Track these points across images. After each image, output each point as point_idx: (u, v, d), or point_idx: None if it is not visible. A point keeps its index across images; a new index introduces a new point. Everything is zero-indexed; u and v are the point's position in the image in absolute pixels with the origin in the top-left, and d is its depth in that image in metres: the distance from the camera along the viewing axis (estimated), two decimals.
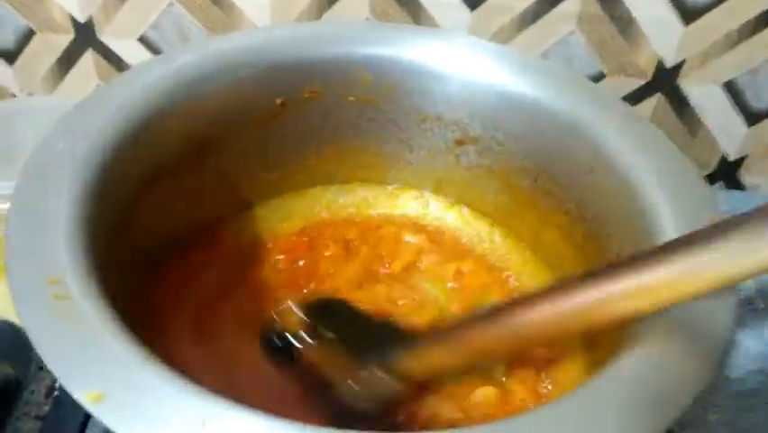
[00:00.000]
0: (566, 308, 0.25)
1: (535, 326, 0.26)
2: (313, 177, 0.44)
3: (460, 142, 0.41)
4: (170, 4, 0.55)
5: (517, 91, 0.37)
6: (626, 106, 0.37)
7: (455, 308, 0.39)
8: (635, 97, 0.57)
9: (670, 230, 0.30)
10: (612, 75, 0.57)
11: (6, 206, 0.46)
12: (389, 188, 0.45)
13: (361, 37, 0.39)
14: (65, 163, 0.29)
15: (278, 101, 0.39)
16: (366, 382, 0.32)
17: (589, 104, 0.36)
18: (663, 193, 0.31)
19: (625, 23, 0.54)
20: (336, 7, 0.54)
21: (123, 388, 0.21)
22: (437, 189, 0.44)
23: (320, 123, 0.42)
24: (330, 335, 0.36)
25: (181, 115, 0.36)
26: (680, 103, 0.58)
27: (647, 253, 0.23)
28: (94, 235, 0.27)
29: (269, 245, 0.42)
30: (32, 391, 0.37)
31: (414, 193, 0.45)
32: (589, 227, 0.35)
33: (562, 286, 0.26)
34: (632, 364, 0.24)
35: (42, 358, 0.21)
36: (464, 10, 0.54)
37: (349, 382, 0.33)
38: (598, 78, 0.57)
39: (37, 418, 0.35)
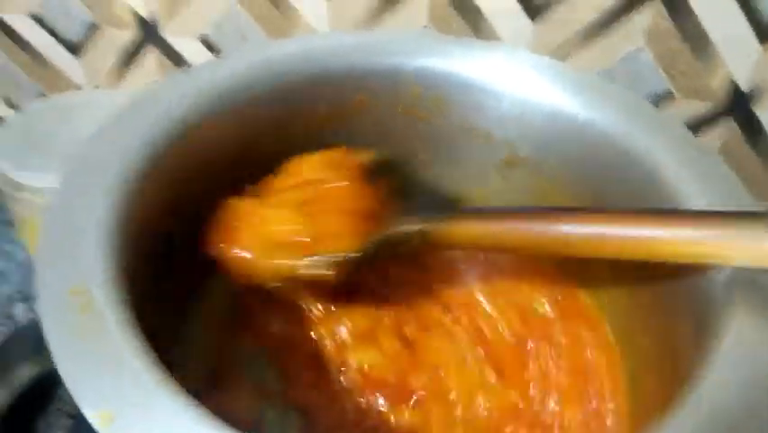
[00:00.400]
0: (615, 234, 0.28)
1: (581, 239, 0.28)
2: None
3: (510, 163, 0.40)
4: (232, 6, 0.56)
5: (570, 112, 0.36)
6: (689, 134, 0.35)
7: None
8: (704, 121, 0.54)
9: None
10: (681, 96, 0.54)
11: None
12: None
13: (411, 48, 0.38)
14: (105, 166, 0.30)
15: (325, 109, 0.39)
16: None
17: (648, 129, 0.34)
18: None
19: (698, 41, 0.51)
20: (395, 13, 0.53)
21: (132, 410, 0.21)
22: None
23: (368, 132, 0.41)
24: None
25: (228, 120, 0.36)
26: (753, 130, 0.54)
27: None
28: (127, 246, 0.27)
29: None
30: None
31: None
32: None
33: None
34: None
35: (58, 369, 0.21)
36: (526, 20, 0.52)
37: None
38: (665, 97, 0.54)
39: (69, 415, 0.36)
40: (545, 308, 0.39)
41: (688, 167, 0.32)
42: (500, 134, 0.39)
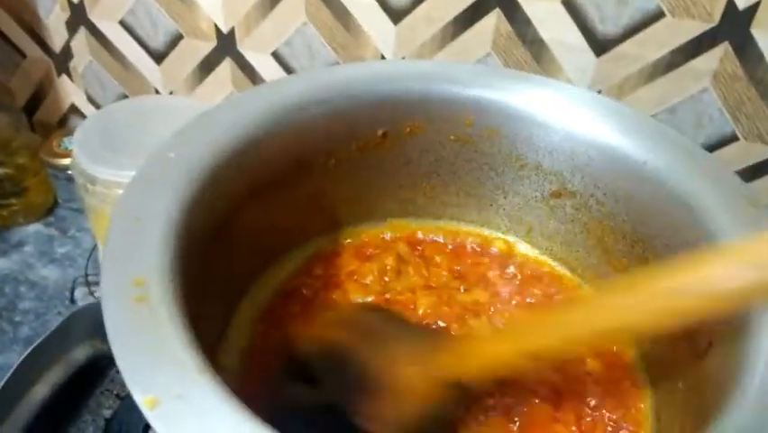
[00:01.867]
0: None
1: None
2: (405, 207, 0.45)
3: (556, 195, 0.40)
4: (304, 24, 0.58)
5: (623, 151, 0.36)
6: (741, 184, 0.34)
7: None
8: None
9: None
10: (747, 139, 0.53)
11: None
12: (479, 229, 0.45)
13: (468, 79, 0.40)
14: (173, 171, 0.32)
15: (380, 132, 0.40)
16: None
17: (702, 176, 0.34)
18: None
19: (766, 86, 0.50)
20: (460, 41, 0.55)
21: (175, 397, 0.23)
22: (528, 238, 0.44)
23: (418, 157, 0.42)
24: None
25: (286, 137, 0.38)
26: None
27: None
28: (188, 243, 0.29)
29: (353, 266, 0.43)
30: (117, 371, 0.40)
31: (504, 237, 0.44)
32: None
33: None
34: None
35: (114, 356, 0.24)
36: (590, 54, 0.52)
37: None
38: (730, 139, 0.53)
39: (118, 396, 0.38)
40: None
41: (739, 218, 0.31)
42: (550, 167, 0.40)
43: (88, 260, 0.61)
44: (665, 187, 0.34)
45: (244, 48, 0.62)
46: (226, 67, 0.64)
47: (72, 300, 0.57)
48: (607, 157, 0.37)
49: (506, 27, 0.53)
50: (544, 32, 0.52)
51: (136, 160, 0.51)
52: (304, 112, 0.38)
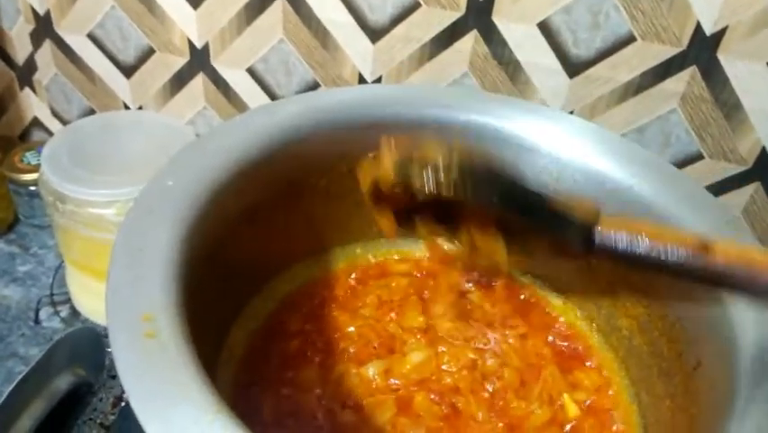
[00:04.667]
0: None
1: None
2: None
3: None
4: (281, 41, 0.58)
5: (609, 176, 0.37)
6: (723, 207, 0.36)
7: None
8: (732, 183, 0.56)
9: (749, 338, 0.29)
10: (711, 158, 0.55)
11: (108, 211, 0.51)
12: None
13: (459, 104, 0.40)
14: (172, 200, 0.31)
15: (371, 155, 0.41)
16: None
17: (686, 200, 0.36)
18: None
19: (730, 109, 0.52)
20: (437, 60, 0.55)
21: None
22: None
23: None
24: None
25: (280, 161, 0.38)
26: None
27: None
28: (188, 272, 0.29)
29: (350, 283, 0.43)
30: (101, 399, 0.39)
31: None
32: (669, 328, 0.34)
33: None
34: None
35: (126, 392, 0.23)
36: (564, 76, 0.54)
37: None
38: (696, 158, 0.55)
39: (102, 425, 0.37)
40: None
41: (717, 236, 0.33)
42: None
43: (53, 279, 0.59)
44: (651, 211, 0.35)
45: (218, 63, 0.62)
46: (199, 82, 0.63)
47: (37, 321, 0.56)
48: (593, 181, 0.38)
49: (482, 48, 0.54)
50: (520, 54, 0.54)
51: (109, 177, 0.51)
52: (297, 135, 0.38)
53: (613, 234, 0.30)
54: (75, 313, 0.57)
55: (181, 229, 0.30)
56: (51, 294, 0.58)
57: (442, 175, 0.30)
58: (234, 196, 0.34)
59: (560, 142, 0.39)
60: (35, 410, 0.37)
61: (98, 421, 0.40)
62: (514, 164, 0.40)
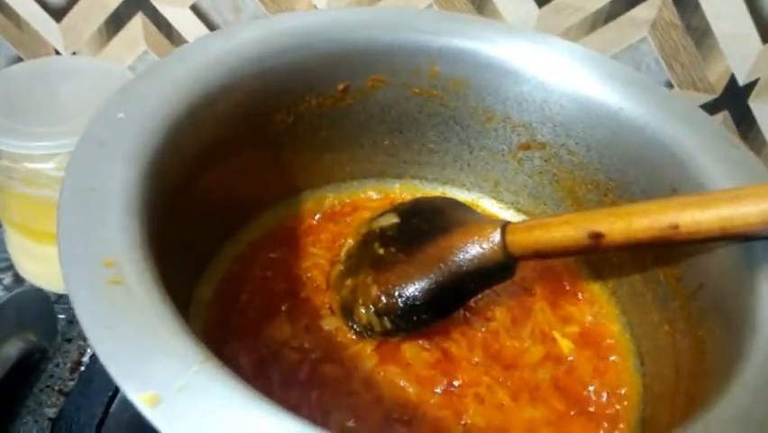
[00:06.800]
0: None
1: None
2: (365, 168, 0.42)
3: (525, 147, 0.39)
4: None
5: (598, 99, 0.35)
6: (719, 126, 0.35)
7: None
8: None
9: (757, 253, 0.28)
10: (681, 87, 0.54)
11: (47, 165, 0.46)
12: (443, 187, 0.43)
13: (434, 27, 0.37)
14: (124, 133, 0.28)
15: (341, 86, 0.38)
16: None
17: (680, 120, 0.34)
18: None
19: (700, 35, 0.51)
20: None
21: (178, 391, 0.19)
22: (493, 193, 0.42)
23: (380, 113, 0.40)
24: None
25: (241, 92, 0.34)
26: (746, 123, 0.55)
27: None
28: (149, 214, 0.26)
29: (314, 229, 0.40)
30: (57, 364, 0.35)
31: (467, 195, 0.43)
32: (664, 253, 0.33)
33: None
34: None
35: (95, 350, 0.20)
36: (532, 5, 0.52)
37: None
38: (666, 87, 0.54)
39: (61, 392, 0.34)
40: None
41: (718, 157, 0.32)
42: (519, 118, 0.38)
43: None
44: (644, 133, 0.34)
45: (158, 1, 0.56)
46: (138, 23, 0.58)
47: None
48: (580, 106, 0.36)
49: None
50: None
51: (46, 129, 0.47)
52: (260, 64, 0.34)
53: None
54: (18, 280, 0.52)
55: (137, 166, 0.26)
56: None
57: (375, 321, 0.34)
58: (192, 132, 0.30)
59: (544, 66, 0.36)
60: None
61: (56, 388, 0.36)
62: (496, 92, 0.38)
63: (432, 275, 0.33)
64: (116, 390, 0.33)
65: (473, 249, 0.32)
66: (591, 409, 0.33)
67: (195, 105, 0.31)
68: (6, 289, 0.51)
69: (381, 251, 0.36)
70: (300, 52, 0.36)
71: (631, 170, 0.35)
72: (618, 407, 0.33)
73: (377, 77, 0.38)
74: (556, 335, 0.36)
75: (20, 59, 0.62)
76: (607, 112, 0.35)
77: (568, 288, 0.38)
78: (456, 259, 0.33)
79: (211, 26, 0.57)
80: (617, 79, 0.35)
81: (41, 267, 0.51)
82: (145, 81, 0.30)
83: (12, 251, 0.52)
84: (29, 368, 0.37)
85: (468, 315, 0.36)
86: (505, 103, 0.38)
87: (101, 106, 0.28)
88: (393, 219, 0.37)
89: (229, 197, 0.35)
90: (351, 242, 0.38)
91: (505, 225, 0.32)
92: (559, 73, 0.36)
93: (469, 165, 0.42)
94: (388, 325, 0.34)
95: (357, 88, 0.38)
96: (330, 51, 0.36)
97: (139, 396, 0.19)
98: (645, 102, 0.34)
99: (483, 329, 0.35)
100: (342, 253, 0.37)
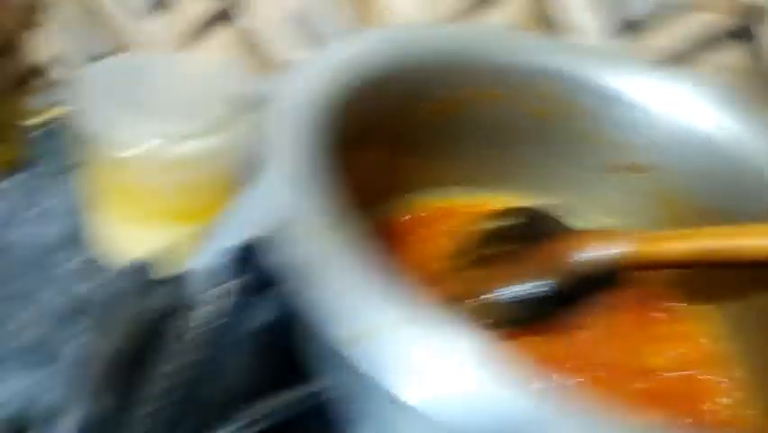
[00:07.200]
0: None
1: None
2: (461, 176, 0.44)
3: (629, 168, 0.42)
4: None
5: (707, 128, 0.38)
6: None
7: None
8: None
9: None
10: None
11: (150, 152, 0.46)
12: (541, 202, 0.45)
13: (549, 48, 0.41)
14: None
15: (462, 97, 0.40)
16: None
17: None
18: None
19: None
20: (480, 15, 0.54)
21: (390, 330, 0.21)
22: (587, 213, 0.44)
23: (488, 125, 0.42)
24: None
25: (379, 91, 0.37)
26: None
27: None
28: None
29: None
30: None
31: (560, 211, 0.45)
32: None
33: None
34: None
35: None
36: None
37: None
38: None
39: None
40: None
41: None
42: (624, 140, 0.41)
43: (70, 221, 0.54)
44: (751, 163, 0.36)
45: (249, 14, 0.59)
46: (225, 28, 0.60)
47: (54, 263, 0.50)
48: (691, 133, 0.39)
49: None
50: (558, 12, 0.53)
51: (155, 117, 0.47)
52: (378, 73, 0.37)
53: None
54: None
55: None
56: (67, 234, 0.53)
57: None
58: (354, 115, 0.33)
59: (656, 94, 0.39)
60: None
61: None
62: (605, 115, 0.41)
63: (543, 276, 0.35)
64: None
65: (589, 253, 0.34)
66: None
67: (360, 88, 0.34)
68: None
69: (492, 250, 0.38)
70: (426, 64, 0.39)
71: (729, 198, 0.37)
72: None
73: (495, 92, 0.41)
74: (650, 351, 0.38)
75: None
76: (716, 141, 0.38)
77: (666, 305, 0.40)
78: (569, 261, 0.35)
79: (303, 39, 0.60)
80: (727, 106, 0.38)
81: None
82: (314, 66, 0.34)
83: (103, 238, 0.52)
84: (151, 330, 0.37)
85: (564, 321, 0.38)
86: (614, 126, 0.41)
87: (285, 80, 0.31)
88: (504, 222, 0.39)
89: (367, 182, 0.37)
90: (457, 240, 0.40)
91: (619, 234, 0.34)
92: (668, 101, 0.39)
93: (566, 182, 0.44)
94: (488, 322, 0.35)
95: (475, 101, 0.41)
96: (454, 65, 0.40)
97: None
98: (753, 133, 0.37)
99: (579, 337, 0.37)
100: (451, 251, 0.39)
